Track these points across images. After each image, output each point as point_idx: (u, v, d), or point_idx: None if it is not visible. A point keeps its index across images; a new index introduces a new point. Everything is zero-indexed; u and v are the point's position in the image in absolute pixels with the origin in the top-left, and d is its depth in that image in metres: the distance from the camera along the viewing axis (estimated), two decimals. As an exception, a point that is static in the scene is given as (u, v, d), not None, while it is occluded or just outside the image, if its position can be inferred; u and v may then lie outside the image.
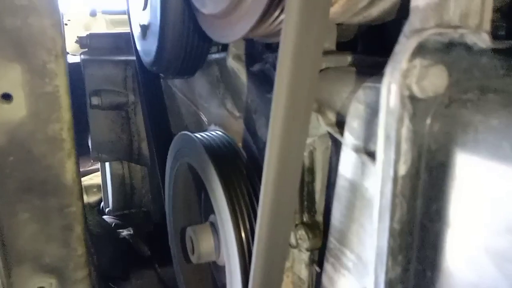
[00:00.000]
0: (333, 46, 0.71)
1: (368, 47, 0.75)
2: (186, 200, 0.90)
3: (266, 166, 0.53)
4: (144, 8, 0.80)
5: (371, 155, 0.50)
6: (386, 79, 0.41)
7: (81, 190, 0.76)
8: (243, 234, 0.66)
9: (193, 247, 0.77)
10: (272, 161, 0.52)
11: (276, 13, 0.45)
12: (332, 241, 0.60)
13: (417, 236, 0.46)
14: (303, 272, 0.71)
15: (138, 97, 1.24)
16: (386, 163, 0.43)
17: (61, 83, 0.67)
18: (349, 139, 0.54)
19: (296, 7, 0.42)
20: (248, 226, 0.66)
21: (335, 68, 0.69)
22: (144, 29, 0.83)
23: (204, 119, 0.93)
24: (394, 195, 0.43)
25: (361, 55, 0.66)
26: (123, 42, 1.27)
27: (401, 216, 0.46)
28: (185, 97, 1.04)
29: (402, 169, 0.44)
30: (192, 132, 1.03)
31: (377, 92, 0.51)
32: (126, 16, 2.12)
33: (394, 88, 0.40)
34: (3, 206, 0.69)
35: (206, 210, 0.86)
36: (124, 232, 1.53)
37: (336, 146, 0.66)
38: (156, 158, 1.07)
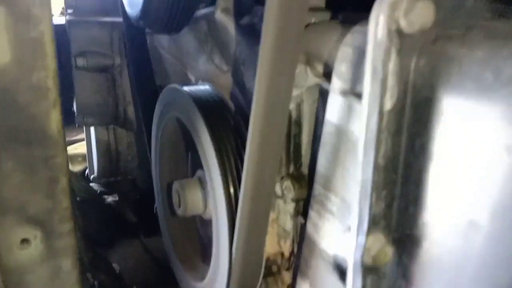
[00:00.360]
0: (322, 4, 0.71)
1: (358, 4, 0.75)
2: (173, 156, 0.90)
3: (253, 116, 0.53)
4: (131, -41, 0.79)
5: (358, 96, 0.51)
6: (374, 11, 0.41)
7: (65, 142, 0.76)
8: (231, 188, 0.66)
9: (179, 200, 0.77)
10: (259, 112, 0.53)
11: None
12: (317, 188, 0.62)
13: (401, 172, 0.47)
14: (288, 224, 0.72)
15: (124, 59, 1.22)
16: (372, 96, 0.43)
17: (46, 30, 0.66)
18: (337, 84, 0.55)
19: None
20: (236, 180, 0.67)
21: (323, 21, 0.69)
22: (131, -19, 0.82)
23: (191, 77, 0.92)
24: (379, 130, 0.44)
25: (350, 13, 0.67)
26: (110, 4, 1.24)
27: (386, 151, 0.47)
28: (172, 57, 1.03)
29: (388, 104, 0.45)
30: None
31: (366, 35, 0.51)
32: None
33: (382, 19, 0.41)
34: (-14, 154, 0.68)
35: (193, 166, 0.87)
36: (110, 199, 1.53)
37: (324, 98, 0.67)
38: (142, 119, 1.07)
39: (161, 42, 1.07)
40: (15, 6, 0.64)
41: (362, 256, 0.47)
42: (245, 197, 0.63)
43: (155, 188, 0.96)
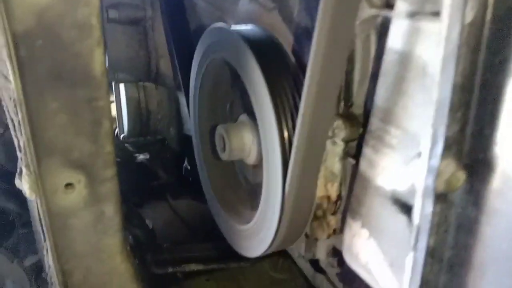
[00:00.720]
0: None
1: None
2: (213, 99, 0.88)
3: (314, 51, 0.51)
4: None
5: (429, 15, 0.47)
6: None
7: (108, 85, 0.74)
8: (285, 131, 0.64)
9: (224, 144, 0.76)
10: (320, 46, 0.50)
11: None
12: (374, 122, 0.59)
13: (477, 92, 0.45)
14: (336, 166, 0.70)
15: (156, 12, 1.19)
16: (453, 8, 0.40)
17: (90, -37, 0.64)
18: (402, 6, 0.52)
19: None
20: (291, 123, 0.65)
21: None
22: None
23: (230, 22, 0.89)
24: (459, 44, 0.41)
25: None
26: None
27: (464, 69, 0.44)
28: (207, 3, 1.00)
29: (469, 16, 0.42)
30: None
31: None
32: None
33: None
34: (31, 92, 0.67)
35: (235, 110, 0.85)
36: (141, 156, 1.54)
37: (381, 30, 0.63)
38: (179, 71, 1.05)
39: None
40: None
41: (435, 180, 0.45)
42: (301, 137, 0.61)
43: (193, 132, 0.95)
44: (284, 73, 0.69)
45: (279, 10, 0.71)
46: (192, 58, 1.06)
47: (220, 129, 0.77)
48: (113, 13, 1.14)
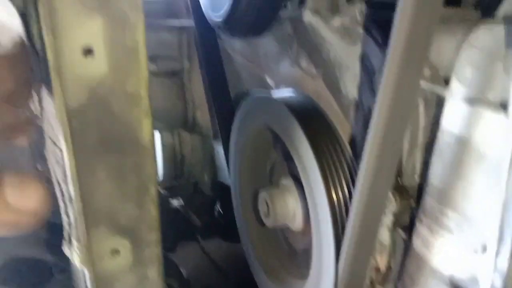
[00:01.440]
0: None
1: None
2: (254, 163, 0.88)
3: (374, 124, 0.50)
4: (216, -37, 0.77)
5: (491, 104, 0.46)
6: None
7: (155, 150, 0.75)
8: (334, 196, 0.63)
9: (268, 210, 0.75)
10: (381, 118, 0.49)
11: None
12: (429, 201, 0.57)
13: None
14: (386, 237, 0.68)
15: (193, 64, 1.22)
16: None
17: (140, 38, 0.65)
18: (459, 90, 0.51)
19: None
20: (338, 187, 0.64)
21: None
22: (214, -15, 0.80)
23: (270, 81, 0.90)
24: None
25: (466, 9, 0.62)
26: (178, 7, 1.24)
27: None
28: (245, 60, 1.01)
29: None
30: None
31: (495, 35, 0.47)
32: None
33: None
34: (82, 163, 0.68)
35: (277, 174, 0.85)
36: (174, 202, 1.54)
37: (426, 103, 0.63)
38: (217, 123, 1.06)
39: (233, 44, 1.05)
40: (112, 16, 0.64)
41: (503, 282, 0.43)
42: (358, 207, 0.59)
43: (234, 197, 0.95)
44: (328, 139, 0.68)
45: (323, 78, 0.71)
46: (229, 109, 1.07)
47: (263, 194, 0.76)
48: (151, 66, 1.17)
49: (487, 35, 0.48)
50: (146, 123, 0.72)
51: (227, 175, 1.34)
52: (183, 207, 1.62)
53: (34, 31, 0.62)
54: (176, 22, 1.20)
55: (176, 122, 1.26)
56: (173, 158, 1.48)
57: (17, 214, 0.39)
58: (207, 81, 1.10)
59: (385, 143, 0.55)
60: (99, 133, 0.69)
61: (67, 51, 0.58)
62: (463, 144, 0.51)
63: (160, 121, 1.25)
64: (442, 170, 0.54)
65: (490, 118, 0.46)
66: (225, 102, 1.08)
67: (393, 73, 0.47)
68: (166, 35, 1.19)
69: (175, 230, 1.57)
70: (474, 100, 0.48)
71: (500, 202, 0.44)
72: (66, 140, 0.67)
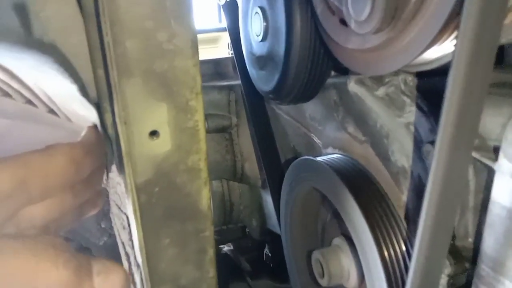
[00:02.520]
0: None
1: None
2: (305, 224, 0.91)
3: (429, 193, 0.52)
4: (263, 39, 0.83)
5: (540, 184, 0.48)
6: None
7: (212, 215, 0.80)
8: (386, 254, 0.66)
9: (322, 270, 0.78)
10: (435, 188, 0.51)
11: (443, 41, 0.45)
12: (484, 268, 0.59)
13: None
14: (441, 298, 0.70)
15: (241, 119, 1.28)
16: None
17: (200, 118, 0.72)
18: (507, 166, 0.53)
19: (471, 25, 0.41)
20: (389, 244, 0.66)
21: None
22: (262, 59, 0.86)
23: (318, 141, 0.94)
24: None
25: (505, 73, 0.65)
26: (222, 67, 1.33)
27: None
28: (292, 119, 1.06)
29: None
30: (302, 154, 1.06)
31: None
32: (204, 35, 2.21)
33: None
34: (148, 232, 0.74)
35: (328, 233, 0.88)
36: (225, 248, 1.59)
37: (475, 168, 0.65)
38: (267, 178, 1.11)
39: (279, 105, 1.10)
40: (176, 101, 0.71)
41: None
42: (416, 271, 0.61)
43: (287, 258, 0.98)
44: (377, 202, 0.71)
45: (371, 145, 0.74)
46: (277, 162, 1.12)
47: (316, 255, 0.79)
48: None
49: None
50: (205, 192, 0.77)
51: (275, 223, 1.38)
52: (233, 251, 1.66)
53: (108, 120, 0.69)
54: (224, 82, 1.27)
55: (225, 173, 1.32)
56: (222, 205, 1.54)
57: None
58: (255, 136, 1.16)
59: (440, 211, 0.57)
60: (163, 204, 0.75)
61: (137, 136, 0.65)
62: (514, 218, 0.52)
63: (210, 173, 1.30)
64: (495, 240, 0.56)
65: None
66: (272, 155, 1.13)
67: (446, 143, 0.49)
68: (216, 95, 1.27)
69: (225, 273, 1.61)
70: (523, 178, 0.50)
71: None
72: (134, 212, 0.73)
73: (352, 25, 0.49)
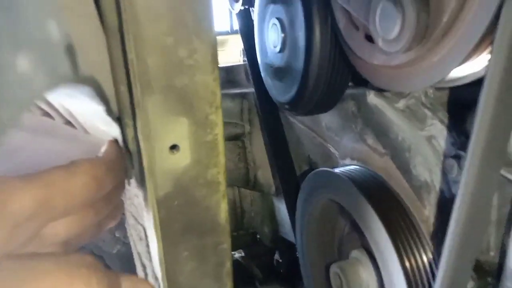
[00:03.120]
0: None
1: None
2: (321, 235, 0.91)
3: (457, 208, 0.52)
4: (281, 51, 0.83)
5: None
6: None
7: (230, 228, 0.80)
8: (408, 267, 0.65)
9: (341, 283, 0.78)
10: (464, 204, 0.51)
11: (473, 60, 0.45)
12: (509, 285, 0.58)
13: None
14: (465, 313, 0.69)
15: (254, 127, 1.28)
16: None
17: (219, 132, 0.71)
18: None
19: (507, 43, 0.40)
20: (412, 260, 0.66)
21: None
22: (279, 71, 0.86)
23: (335, 151, 0.94)
24: None
25: None
26: (235, 75, 1.32)
27: None
28: (307, 128, 1.06)
29: None
30: (317, 164, 1.05)
31: None
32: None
33: None
34: (168, 246, 0.74)
35: (345, 246, 0.87)
36: (236, 255, 1.58)
37: (499, 183, 0.64)
38: (281, 186, 1.11)
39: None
40: (196, 115, 0.71)
41: None
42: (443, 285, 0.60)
43: (304, 272, 0.98)
44: (399, 213, 0.71)
45: (392, 158, 0.74)
46: (291, 171, 1.11)
47: (334, 268, 0.79)
48: (215, 132, 1.24)
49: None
50: (223, 205, 0.77)
51: (288, 231, 1.38)
52: (244, 258, 1.66)
53: (129, 135, 0.69)
54: (237, 90, 1.27)
55: (238, 181, 1.32)
56: (233, 211, 1.53)
57: None
58: (269, 145, 1.15)
59: (467, 228, 0.56)
60: (183, 218, 0.75)
61: (158, 150, 0.65)
62: (543, 236, 0.52)
63: (223, 181, 1.30)
64: (522, 258, 0.55)
65: None
66: (286, 164, 1.13)
67: (476, 160, 0.48)
68: (228, 103, 1.27)
69: (236, 280, 1.60)
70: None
71: None
72: (155, 226, 0.73)
73: (380, 43, 0.49)
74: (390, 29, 0.46)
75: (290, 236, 1.31)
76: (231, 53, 2.56)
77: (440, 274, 0.56)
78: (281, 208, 1.32)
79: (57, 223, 0.43)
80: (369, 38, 0.54)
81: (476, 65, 0.47)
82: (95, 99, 0.47)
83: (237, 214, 1.53)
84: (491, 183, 0.50)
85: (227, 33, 2.47)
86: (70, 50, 0.30)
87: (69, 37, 0.31)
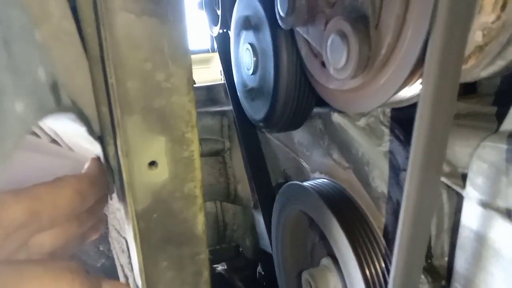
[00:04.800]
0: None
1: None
2: (294, 245, 0.97)
3: (402, 217, 0.58)
4: (254, 73, 0.90)
5: (500, 210, 0.54)
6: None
7: (207, 239, 0.85)
8: (368, 274, 0.71)
9: (311, 289, 0.83)
10: (408, 211, 0.57)
11: (411, 85, 0.52)
12: (457, 286, 0.64)
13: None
14: (421, 314, 0.75)
15: (234, 143, 1.34)
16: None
17: (195, 148, 0.77)
18: (473, 194, 0.59)
19: (433, 72, 0.47)
20: (371, 263, 0.72)
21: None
22: (253, 91, 0.92)
23: (306, 166, 1.00)
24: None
25: (478, 105, 0.71)
26: (215, 93, 1.39)
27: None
28: (282, 144, 1.12)
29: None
30: (291, 177, 1.11)
31: (499, 151, 0.55)
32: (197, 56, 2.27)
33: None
34: (147, 257, 0.79)
35: (316, 254, 0.93)
36: (219, 268, 1.63)
37: (449, 193, 0.71)
38: (258, 199, 1.16)
39: (270, 129, 1.16)
40: (173, 134, 0.76)
41: None
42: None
43: (278, 275, 1.03)
44: (360, 225, 0.76)
45: (354, 171, 0.80)
46: (267, 184, 1.17)
47: (305, 275, 0.84)
48: (196, 148, 1.30)
49: (492, 151, 0.56)
50: (200, 217, 0.82)
51: (267, 243, 1.43)
52: (226, 271, 1.70)
53: (110, 152, 0.74)
54: (216, 107, 1.33)
55: (219, 195, 1.37)
56: (216, 225, 1.58)
57: None
58: (247, 160, 1.21)
59: (414, 232, 0.62)
60: (161, 230, 0.80)
61: (137, 166, 0.70)
62: (480, 240, 0.58)
63: (204, 195, 1.36)
64: (465, 260, 0.62)
65: (500, 222, 0.54)
66: (263, 179, 1.19)
67: (416, 170, 0.54)
68: (209, 120, 1.33)
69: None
70: (486, 205, 0.56)
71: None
72: (134, 238, 0.78)
73: (331, 70, 0.55)
74: (338, 59, 0.52)
75: (269, 248, 1.36)
76: (216, 71, 2.61)
77: (392, 274, 0.62)
78: (261, 221, 1.38)
79: (43, 234, 0.48)
80: (325, 65, 0.61)
81: (415, 88, 0.54)
82: (77, 122, 0.52)
83: (219, 227, 1.58)
84: (431, 187, 0.56)
85: (213, 51, 2.54)
86: (54, 87, 0.36)
87: (54, 76, 0.37)
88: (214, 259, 1.71)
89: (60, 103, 0.37)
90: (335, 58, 0.53)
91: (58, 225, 0.50)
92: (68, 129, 0.64)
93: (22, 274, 0.40)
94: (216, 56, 2.50)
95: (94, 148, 0.69)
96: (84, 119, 0.56)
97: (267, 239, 1.38)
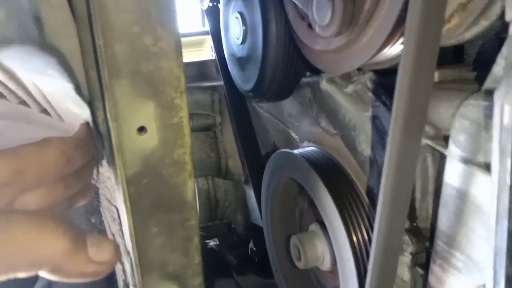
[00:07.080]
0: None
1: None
2: (283, 211, 0.98)
3: (385, 179, 0.59)
4: (243, 42, 0.90)
5: (481, 165, 0.56)
6: (497, 99, 0.47)
7: (197, 205, 0.86)
8: (354, 238, 0.73)
9: (299, 254, 0.85)
10: (390, 172, 0.58)
11: (394, 43, 0.53)
12: (439, 244, 0.66)
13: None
14: (406, 275, 0.77)
15: (224, 118, 1.35)
16: (502, 173, 0.49)
17: (184, 115, 0.78)
18: (455, 151, 0.60)
19: (415, 31, 0.48)
20: (357, 228, 0.73)
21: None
22: (242, 61, 0.93)
23: (295, 136, 1.01)
24: (511, 201, 0.49)
25: (463, 71, 0.72)
26: (206, 69, 1.39)
27: (517, 220, 0.51)
28: (271, 116, 1.13)
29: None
30: (281, 148, 1.12)
31: (481, 109, 0.57)
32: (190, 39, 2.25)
33: (507, 109, 0.46)
34: (137, 222, 0.80)
35: (305, 220, 0.94)
36: (211, 243, 1.65)
37: (433, 156, 0.72)
38: (249, 172, 1.17)
39: (259, 103, 1.17)
40: (162, 99, 0.77)
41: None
42: (377, 248, 0.68)
43: (267, 241, 1.05)
44: (346, 189, 0.78)
45: (341, 137, 0.81)
46: (258, 158, 1.18)
47: (294, 240, 0.86)
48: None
49: (473, 108, 0.58)
50: (190, 184, 0.83)
51: (259, 217, 1.45)
52: (218, 246, 1.72)
53: (99, 117, 0.75)
54: (207, 83, 1.34)
55: (211, 170, 1.38)
56: (208, 201, 1.60)
57: (97, 265, 0.49)
58: (237, 134, 1.22)
59: (395, 192, 0.64)
60: (151, 195, 0.81)
61: (126, 131, 0.71)
62: (462, 196, 0.60)
63: (196, 170, 1.37)
64: (448, 218, 0.63)
65: (480, 177, 0.56)
66: (254, 152, 1.20)
67: (398, 131, 0.56)
68: (200, 95, 1.33)
69: (212, 268, 1.67)
70: (468, 161, 0.58)
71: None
72: (125, 202, 0.79)
73: (317, 29, 0.56)
74: (323, 17, 0.53)
75: (260, 222, 1.38)
76: (209, 53, 2.60)
77: (375, 234, 0.64)
78: (252, 195, 1.39)
79: (29, 194, 0.48)
80: (311, 27, 0.61)
81: (396, 48, 0.55)
82: (62, 76, 0.52)
83: (211, 204, 1.59)
84: (413, 148, 0.57)
85: (205, 33, 2.53)
86: (38, 21, 0.36)
87: (38, 11, 0.37)
88: (206, 235, 1.73)
89: (44, 38, 0.38)
90: (320, 16, 0.53)
91: (44, 186, 0.50)
92: (55, 88, 0.64)
93: (6, 222, 0.41)
94: (208, 39, 2.49)
95: (83, 113, 0.69)
96: (69, 71, 0.56)
97: (258, 214, 1.40)
